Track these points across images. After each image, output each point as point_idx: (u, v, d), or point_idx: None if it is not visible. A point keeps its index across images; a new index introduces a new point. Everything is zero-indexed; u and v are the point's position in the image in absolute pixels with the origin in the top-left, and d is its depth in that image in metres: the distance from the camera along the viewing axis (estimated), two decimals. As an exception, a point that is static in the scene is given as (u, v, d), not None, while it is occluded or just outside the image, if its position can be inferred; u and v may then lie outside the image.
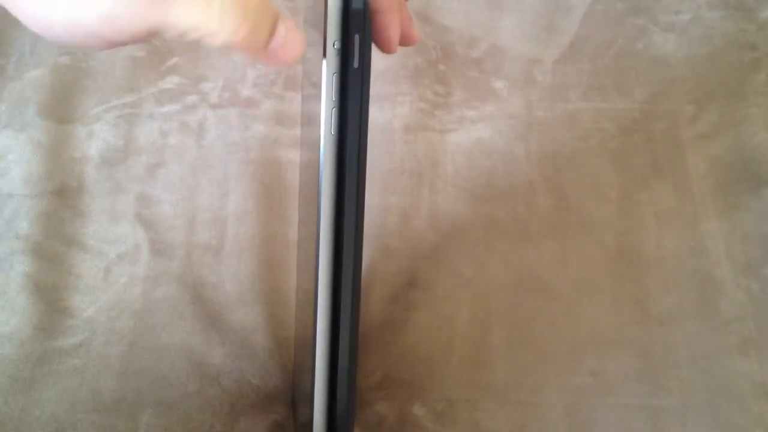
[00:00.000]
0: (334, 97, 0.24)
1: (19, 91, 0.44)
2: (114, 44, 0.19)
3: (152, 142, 0.43)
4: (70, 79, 0.45)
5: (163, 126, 0.44)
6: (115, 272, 0.39)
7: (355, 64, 0.23)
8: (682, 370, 0.38)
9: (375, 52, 0.25)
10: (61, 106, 0.44)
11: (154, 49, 0.46)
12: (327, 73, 0.23)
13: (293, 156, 0.43)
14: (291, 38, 0.21)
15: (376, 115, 0.45)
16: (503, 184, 0.43)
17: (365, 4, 0.23)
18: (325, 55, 0.23)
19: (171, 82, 0.45)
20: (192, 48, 0.46)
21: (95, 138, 0.43)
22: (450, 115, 0.46)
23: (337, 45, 0.23)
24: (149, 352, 0.37)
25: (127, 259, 0.40)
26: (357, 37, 0.23)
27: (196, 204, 0.42)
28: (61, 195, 0.41)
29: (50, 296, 0.38)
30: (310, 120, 0.29)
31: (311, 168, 0.28)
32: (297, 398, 0.36)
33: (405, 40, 0.26)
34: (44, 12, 0.19)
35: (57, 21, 0.19)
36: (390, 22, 0.24)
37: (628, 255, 0.41)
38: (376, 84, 0.45)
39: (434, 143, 0.45)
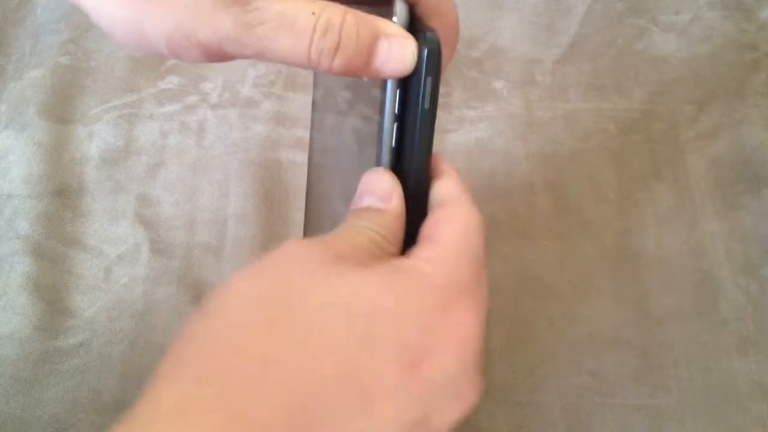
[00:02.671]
0: (396, 111, 0.26)
1: (19, 91, 0.44)
2: (218, 60, 0.21)
3: (152, 142, 0.43)
4: (70, 79, 0.45)
5: (163, 126, 0.44)
6: (115, 272, 0.39)
7: (426, 105, 0.25)
8: (681, 370, 0.38)
9: None
10: (61, 106, 0.44)
11: (154, 49, 0.46)
12: (391, 89, 0.25)
13: (293, 156, 0.43)
14: (395, 53, 0.22)
15: (376, 115, 0.45)
16: (503, 184, 0.43)
17: (438, 46, 0.23)
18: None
19: (171, 82, 0.45)
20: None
21: (95, 138, 0.43)
22: (450, 115, 0.46)
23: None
24: (150, 352, 0.37)
25: (127, 259, 0.40)
26: (429, 80, 0.24)
27: (197, 204, 0.42)
28: (62, 195, 0.41)
29: (51, 296, 0.38)
30: (332, 127, 0.31)
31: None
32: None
33: None
34: (154, 24, 0.20)
35: (162, 32, 0.20)
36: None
37: (628, 255, 0.41)
38: (376, 84, 0.45)
39: (434, 143, 0.44)
